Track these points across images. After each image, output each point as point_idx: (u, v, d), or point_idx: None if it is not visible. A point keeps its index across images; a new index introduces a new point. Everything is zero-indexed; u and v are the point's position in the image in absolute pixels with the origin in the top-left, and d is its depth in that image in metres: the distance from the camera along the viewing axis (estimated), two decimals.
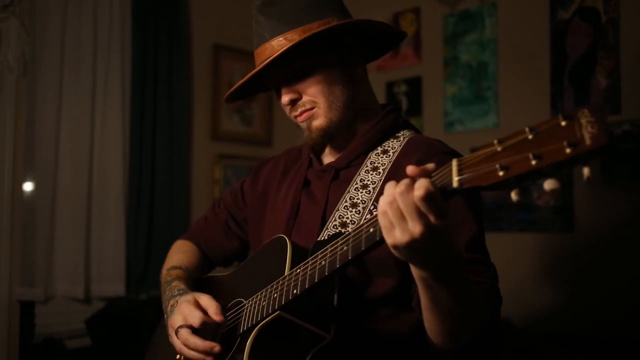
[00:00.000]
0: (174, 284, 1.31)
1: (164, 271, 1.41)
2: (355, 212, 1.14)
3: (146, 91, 2.93)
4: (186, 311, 1.13)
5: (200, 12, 3.28)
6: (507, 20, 2.86)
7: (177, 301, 1.19)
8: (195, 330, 1.11)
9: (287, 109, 1.22)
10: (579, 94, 2.59)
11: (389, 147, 1.22)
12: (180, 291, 1.25)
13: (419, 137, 1.25)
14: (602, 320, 2.44)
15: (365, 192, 1.16)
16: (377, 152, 1.22)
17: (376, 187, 1.16)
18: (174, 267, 1.39)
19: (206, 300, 1.14)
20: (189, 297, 1.16)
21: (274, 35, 1.15)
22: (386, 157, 1.20)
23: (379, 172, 1.18)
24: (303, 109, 1.19)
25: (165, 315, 1.25)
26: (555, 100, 2.66)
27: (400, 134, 1.25)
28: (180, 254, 1.46)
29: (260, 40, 1.18)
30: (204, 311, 1.13)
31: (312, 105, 1.18)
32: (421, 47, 3.17)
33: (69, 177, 2.68)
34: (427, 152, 1.15)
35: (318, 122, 1.19)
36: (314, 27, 1.14)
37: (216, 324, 1.12)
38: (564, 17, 2.66)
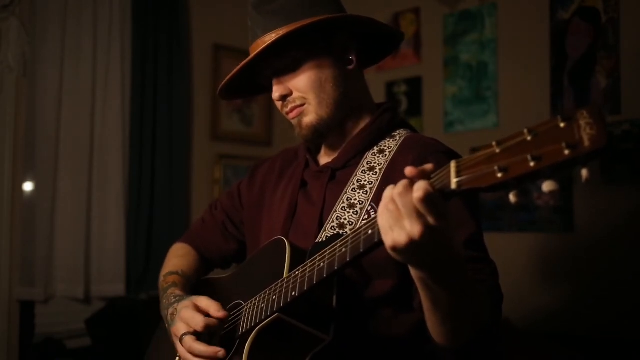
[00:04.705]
0: (169, 291, 1.29)
1: (161, 277, 1.39)
2: (353, 212, 1.14)
3: (146, 91, 2.93)
4: (187, 317, 1.12)
5: (200, 12, 3.28)
6: (507, 20, 2.86)
7: (175, 309, 1.18)
8: (198, 335, 1.10)
9: (279, 105, 1.22)
10: (579, 94, 2.59)
11: (385, 146, 1.22)
12: (177, 298, 1.23)
13: (415, 136, 1.24)
14: (602, 320, 2.43)
15: (362, 192, 1.16)
16: (373, 151, 1.22)
17: (373, 187, 1.15)
18: (171, 273, 1.37)
19: (205, 302, 1.14)
20: (187, 302, 1.15)
21: (266, 31, 1.16)
22: (382, 156, 1.20)
23: (376, 172, 1.17)
24: (293, 105, 1.19)
25: (167, 325, 1.23)
26: (555, 100, 2.66)
27: (396, 133, 1.24)
28: (177, 258, 1.45)
29: (253, 37, 1.19)
30: (205, 313, 1.12)
31: (302, 101, 1.18)
32: (421, 47, 3.16)
33: (69, 177, 2.68)
34: (423, 151, 1.14)
35: (308, 119, 1.18)
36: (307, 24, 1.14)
37: (221, 322, 1.11)
38: (564, 17, 2.65)
